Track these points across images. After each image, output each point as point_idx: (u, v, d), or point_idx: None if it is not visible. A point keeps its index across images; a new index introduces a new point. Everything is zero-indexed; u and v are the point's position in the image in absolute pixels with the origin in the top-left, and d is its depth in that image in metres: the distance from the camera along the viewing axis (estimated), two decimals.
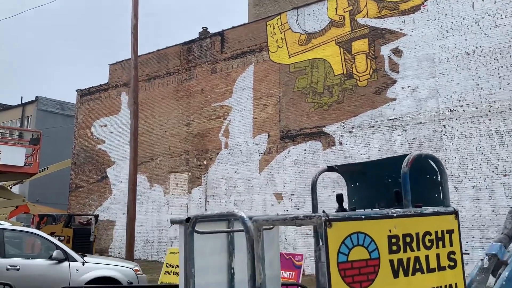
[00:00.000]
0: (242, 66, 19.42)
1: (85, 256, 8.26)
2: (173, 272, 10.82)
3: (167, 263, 11.10)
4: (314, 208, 2.57)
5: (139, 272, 8.43)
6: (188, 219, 2.17)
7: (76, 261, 7.92)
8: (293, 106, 17.58)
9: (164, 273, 10.98)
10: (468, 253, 13.18)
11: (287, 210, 16.98)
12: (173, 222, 2.40)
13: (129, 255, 11.53)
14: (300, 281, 8.56)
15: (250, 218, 1.73)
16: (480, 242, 13.05)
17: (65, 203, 27.23)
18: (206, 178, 19.75)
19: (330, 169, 2.67)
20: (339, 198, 2.28)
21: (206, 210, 19.36)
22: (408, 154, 2.10)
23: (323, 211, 1.65)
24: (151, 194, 21.60)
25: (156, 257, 20.44)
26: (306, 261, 11.04)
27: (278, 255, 2.76)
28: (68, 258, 7.85)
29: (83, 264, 7.91)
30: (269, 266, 2.69)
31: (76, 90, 26.15)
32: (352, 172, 2.58)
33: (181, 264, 2.39)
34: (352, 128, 16.04)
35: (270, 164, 17.80)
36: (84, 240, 16.84)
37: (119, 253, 21.90)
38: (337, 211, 2.35)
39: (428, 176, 2.13)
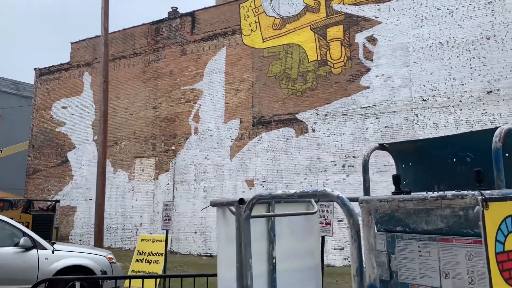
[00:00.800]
0: (213, 48, 18.89)
1: (55, 243, 7.69)
2: (145, 260, 10.37)
3: (138, 251, 10.62)
4: (366, 191, 2.30)
5: (113, 261, 7.95)
6: (241, 201, 1.84)
7: (45, 248, 7.36)
8: (266, 92, 17.29)
9: (136, 261, 10.51)
10: None
11: None
12: (214, 204, 2.05)
13: (98, 243, 10.95)
14: None
15: (355, 199, 1.43)
16: None
17: (21, 188, 25.86)
18: (174, 164, 19.21)
19: (381, 147, 2.41)
20: (397, 179, 2.02)
21: (174, 196, 18.86)
22: (496, 128, 1.86)
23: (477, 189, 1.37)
24: (115, 179, 20.80)
25: (120, 244, 19.79)
26: None
27: (319, 242, 2.48)
28: (36, 245, 7.27)
29: (53, 252, 7.36)
30: (310, 255, 2.41)
31: (35, 69, 24.69)
32: (404, 151, 2.34)
33: (220, 251, 2.07)
34: (325, 115, 15.97)
35: (242, 150, 17.49)
36: (45, 227, 15.95)
37: (80, 240, 21.06)
38: (393, 194, 2.09)
39: (507, 154, 1.89)
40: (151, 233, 18.87)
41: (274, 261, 2.05)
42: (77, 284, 7.41)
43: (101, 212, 11.14)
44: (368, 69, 15.43)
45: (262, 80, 17.45)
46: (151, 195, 19.63)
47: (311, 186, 15.80)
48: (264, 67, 17.48)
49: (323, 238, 8.01)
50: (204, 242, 17.73)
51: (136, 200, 19.96)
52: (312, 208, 2.41)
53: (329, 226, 7.77)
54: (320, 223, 7.96)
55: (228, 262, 1.96)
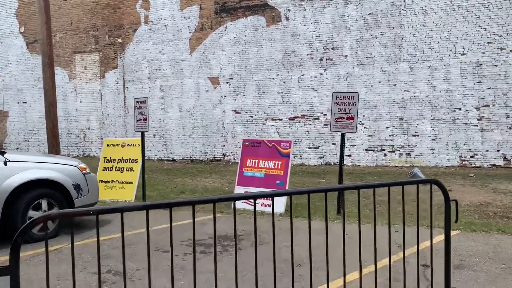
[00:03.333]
0: None
1: (5, 152, 5.81)
2: (115, 167, 8.75)
3: (105, 158, 8.92)
4: None
5: (86, 171, 6.28)
6: None
7: None
8: None
9: (103, 170, 8.85)
10: (418, 135, 12.97)
11: (225, 96, 15.17)
12: None
13: (54, 150, 9.07)
14: (289, 172, 7.18)
15: None
16: (431, 123, 12.81)
17: None
18: (123, 59, 16.73)
19: None
20: None
21: (125, 97, 16.71)
22: None
23: None
24: None
25: (66, 151, 17.73)
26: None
27: None
28: None
29: (5, 164, 5.54)
30: None
31: None
32: None
33: None
34: (301, 1, 14.06)
35: (204, 43, 15.37)
36: None
37: (17, 149, 18.66)
38: None
39: None
40: (102, 138, 16.97)
41: None
42: (44, 202, 5.79)
43: (53, 114, 9.09)
44: None
45: None
46: (98, 95, 17.30)
47: (284, 83, 14.37)
48: None
49: (343, 135, 6.81)
50: (165, 146, 16.19)
51: (81, 102, 17.57)
52: None
53: (352, 121, 6.51)
54: (339, 118, 6.68)
55: None
